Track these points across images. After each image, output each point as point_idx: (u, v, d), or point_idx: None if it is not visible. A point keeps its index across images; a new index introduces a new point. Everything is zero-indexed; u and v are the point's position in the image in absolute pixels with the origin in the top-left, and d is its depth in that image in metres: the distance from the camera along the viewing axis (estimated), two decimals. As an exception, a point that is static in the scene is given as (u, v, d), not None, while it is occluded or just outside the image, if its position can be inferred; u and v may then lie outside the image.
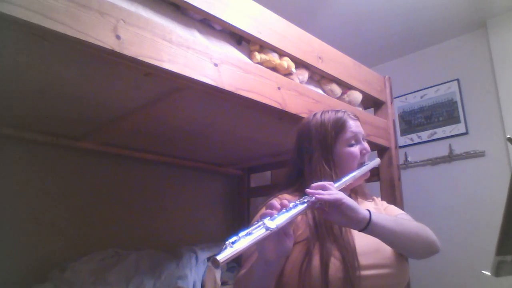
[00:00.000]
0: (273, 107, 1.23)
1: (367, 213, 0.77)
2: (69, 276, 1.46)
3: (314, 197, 0.75)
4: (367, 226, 0.76)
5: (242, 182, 2.51)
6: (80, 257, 1.57)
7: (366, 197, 1.08)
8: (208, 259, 1.87)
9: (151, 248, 1.82)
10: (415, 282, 1.92)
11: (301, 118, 1.21)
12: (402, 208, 1.70)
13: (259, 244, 0.68)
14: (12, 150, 1.60)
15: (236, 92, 1.11)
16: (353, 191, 1.06)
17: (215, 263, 0.58)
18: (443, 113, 2.52)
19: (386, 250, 0.87)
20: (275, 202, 0.73)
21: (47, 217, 1.65)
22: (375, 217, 0.78)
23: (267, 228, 0.64)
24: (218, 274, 0.70)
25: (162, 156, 2.03)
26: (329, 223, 0.86)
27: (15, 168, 1.60)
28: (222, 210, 2.44)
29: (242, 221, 2.37)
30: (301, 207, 0.73)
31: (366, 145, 1.02)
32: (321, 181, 0.82)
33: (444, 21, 2.37)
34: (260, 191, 2.48)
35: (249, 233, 0.64)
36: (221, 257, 0.58)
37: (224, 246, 0.61)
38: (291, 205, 0.73)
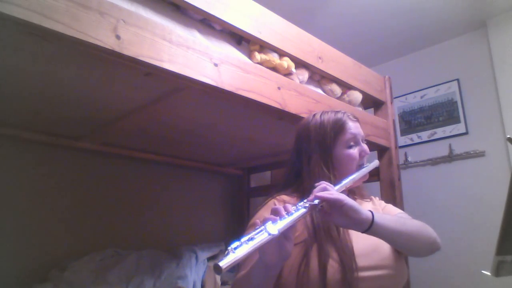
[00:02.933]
0: (273, 107, 1.23)
1: (369, 214, 0.76)
2: (69, 276, 1.47)
3: (315, 200, 0.74)
4: (370, 227, 0.75)
5: (242, 182, 2.51)
6: (80, 257, 1.57)
7: (364, 197, 1.07)
8: (208, 259, 1.87)
9: (151, 248, 1.82)
10: (415, 282, 1.91)
11: (301, 118, 1.20)
12: (402, 208, 1.71)
13: (260, 248, 0.69)
14: (12, 150, 1.60)
15: (236, 92, 1.11)
16: (351, 191, 1.05)
17: (218, 270, 0.58)
18: (443, 113, 2.52)
19: (384, 251, 0.87)
20: (279, 207, 0.72)
21: (47, 217, 1.64)
22: (378, 218, 0.77)
23: (269, 233, 0.64)
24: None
25: (162, 156, 2.03)
26: (328, 225, 0.86)
27: (15, 168, 1.60)
28: (222, 210, 2.44)
29: (242, 221, 2.36)
30: (302, 211, 0.72)
31: (365, 147, 1.01)
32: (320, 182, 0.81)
33: (444, 21, 2.37)
34: (260, 191, 2.48)
35: (251, 238, 0.63)
36: (224, 263, 0.58)
37: (227, 252, 0.61)
38: (292, 208, 0.72)
